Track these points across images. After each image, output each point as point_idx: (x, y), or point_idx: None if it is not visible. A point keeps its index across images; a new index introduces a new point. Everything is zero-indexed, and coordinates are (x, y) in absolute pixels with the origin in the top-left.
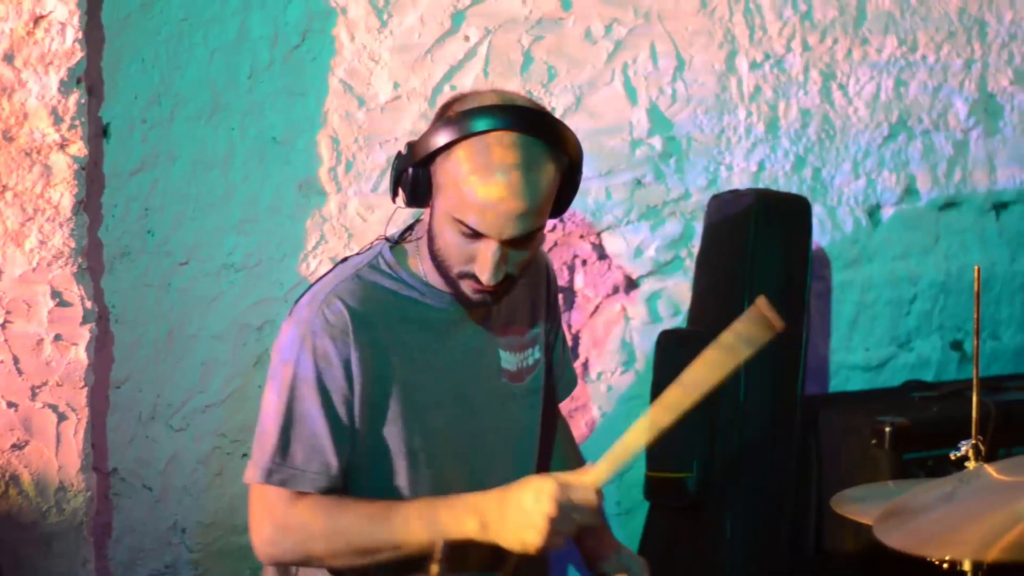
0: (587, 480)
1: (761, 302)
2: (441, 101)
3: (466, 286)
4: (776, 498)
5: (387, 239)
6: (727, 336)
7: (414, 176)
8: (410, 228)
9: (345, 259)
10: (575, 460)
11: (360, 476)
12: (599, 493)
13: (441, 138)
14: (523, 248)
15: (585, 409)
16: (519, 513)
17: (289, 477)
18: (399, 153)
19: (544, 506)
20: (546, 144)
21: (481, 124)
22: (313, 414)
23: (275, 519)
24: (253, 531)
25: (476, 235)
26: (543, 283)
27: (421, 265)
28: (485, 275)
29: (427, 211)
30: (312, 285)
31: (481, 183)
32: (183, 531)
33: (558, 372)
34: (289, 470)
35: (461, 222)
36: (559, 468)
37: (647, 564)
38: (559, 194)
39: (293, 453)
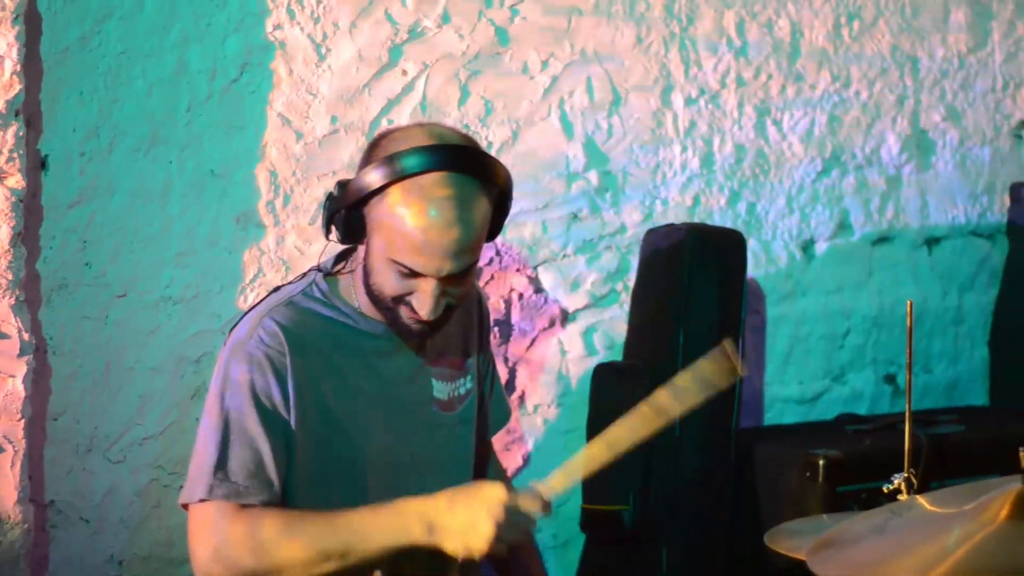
0: (534, 492)
1: (727, 345)
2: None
3: (404, 314)
4: (711, 531)
5: (319, 269)
6: (687, 375)
7: (347, 217)
8: (342, 259)
9: (278, 287)
10: None
11: (295, 497)
12: (547, 504)
13: (373, 180)
14: (460, 282)
15: (521, 442)
16: (467, 517)
17: (231, 492)
18: (330, 194)
19: (493, 510)
20: (477, 179)
21: (413, 165)
22: (252, 431)
23: (218, 534)
24: (194, 552)
25: (414, 274)
26: (475, 314)
27: (355, 295)
28: (425, 311)
29: (361, 246)
30: (246, 312)
31: (416, 225)
32: (120, 563)
33: (491, 404)
34: (231, 485)
35: (398, 263)
36: None
37: None
38: (491, 223)
39: (233, 469)
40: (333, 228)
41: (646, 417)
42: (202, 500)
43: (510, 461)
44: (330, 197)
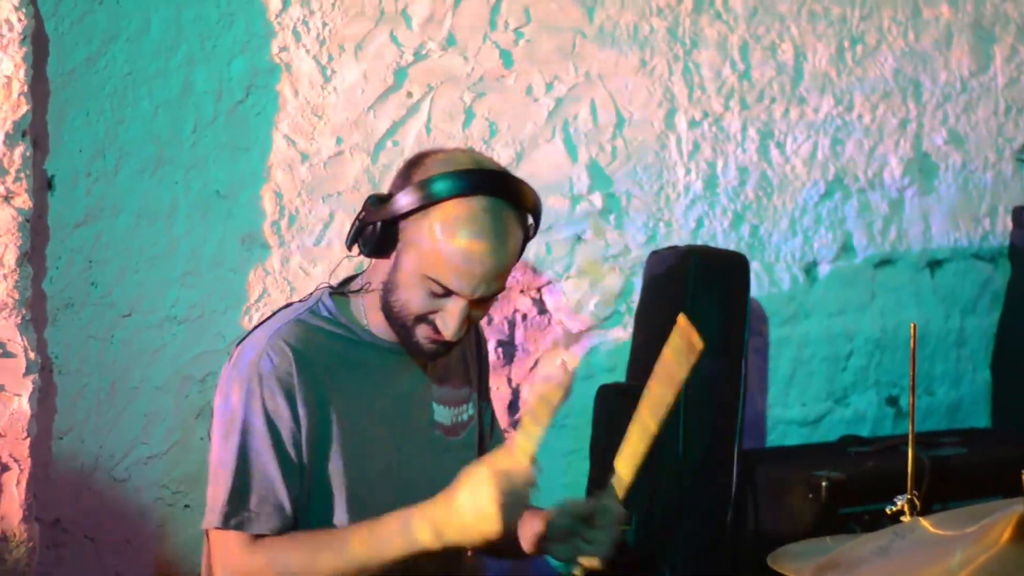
0: (517, 453)
1: (681, 320)
2: (384, 157)
3: (422, 333)
4: (714, 552)
5: (329, 286)
6: (657, 377)
7: (382, 230)
8: (351, 279)
9: (286, 305)
10: None
11: (303, 513)
12: (533, 459)
13: (417, 197)
14: (485, 306)
15: None
16: (470, 508)
17: (244, 520)
18: (365, 206)
19: (491, 490)
20: (516, 206)
21: (458, 188)
22: (264, 456)
23: (237, 564)
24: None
25: (446, 293)
26: (474, 341)
27: (364, 314)
28: (450, 331)
29: (380, 263)
30: (251, 330)
31: (458, 246)
32: None
33: (489, 432)
34: (244, 513)
35: (435, 281)
36: None
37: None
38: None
39: (246, 496)
40: (358, 241)
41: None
42: (217, 528)
43: None
44: (365, 209)
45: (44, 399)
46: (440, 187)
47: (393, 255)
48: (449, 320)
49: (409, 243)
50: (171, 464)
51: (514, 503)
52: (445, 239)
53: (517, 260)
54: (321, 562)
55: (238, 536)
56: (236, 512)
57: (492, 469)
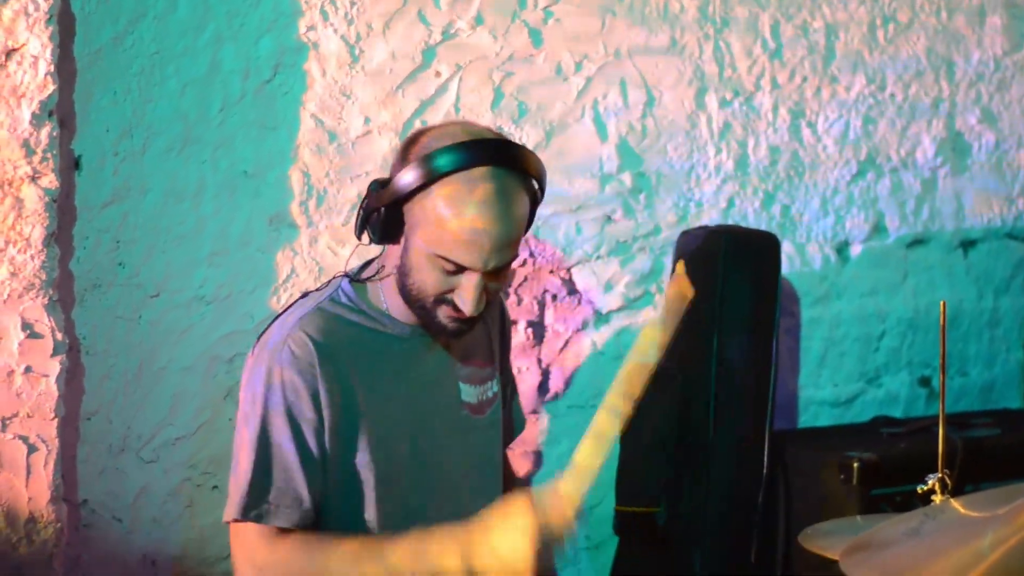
0: (563, 502)
1: (679, 268)
2: None
3: (442, 314)
4: (744, 533)
5: (346, 274)
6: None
7: (386, 216)
8: (368, 264)
9: (305, 294)
10: None
11: (330, 507)
12: (575, 512)
13: (416, 177)
14: (501, 277)
15: (555, 442)
16: (505, 550)
17: (264, 512)
18: (368, 192)
19: (528, 536)
20: (517, 173)
21: (457, 161)
22: (284, 448)
23: (254, 559)
24: (236, 569)
25: (458, 269)
26: (497, 318)
27: (383, 298)
28: (468, 307)
29: (393, 248)
30: (272, 321)
31: (463, 220)
32: (153, 563)
33: (507, 414)
34: (264, 505)
35: (444, 258)
36: None
37: None
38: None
39: (266, 488)
40: (367, 228)
41: (633, 372)
42: (236, 520)
43: (544, 461)
44: (369, 195)
45: (71, 380)
46: (438, 163)
47: (402, 239)
48: (466, 296)
49: (415, 224)
50: (199, 445)
51: (549, 554)
52: (449, 215)
53: (526, 227)
54: (345, 567)
55: (258, 529)
56: (255, 504)
57: (535, 515)
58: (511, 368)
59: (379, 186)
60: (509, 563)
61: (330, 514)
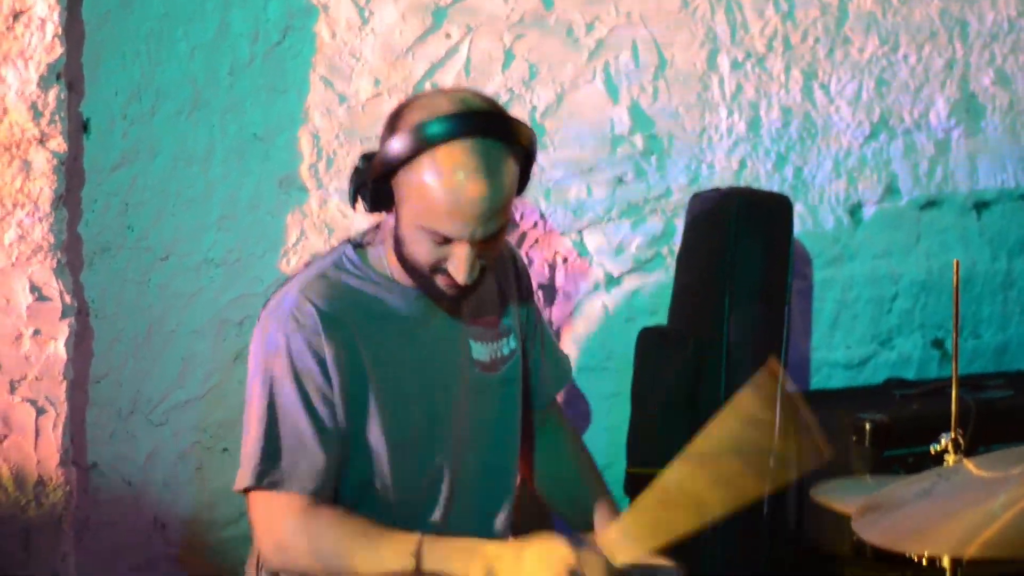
0: (608, 548)
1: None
2: None
3: (440, 281)
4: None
5: (349, 241)
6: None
7: (374, 189)
8: (372, 229)
9: (309, 263)
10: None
11: (345, 472)
12: (612, 571)
13: (400, 151)
14: (493, 244)
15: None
16: (526, 570)
17: (279, 479)
18: (356, 167)
19: (553, 568)
20: (503, 142)
21: (439, 133)
22: (295, 414)
23: (279, 529)
24: (258, 538)
25: (447, 240)
26: (511, 273)
27: (386, 263)
28: (461, 276)
29: (390, 216)
30: (277, 289)
31: (447, 192)
32: (163, 526)
33: (542, 363)
34: (278, 472)
35: (431, 230)
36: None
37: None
38: (519, 182)
39: (279, 454)
40: (360, 200)
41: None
42: (250, 488)
43: None
44: (356, 170)
45: (80, 343)
46: (422, 135)
47: (394, 209)
48: (458, 266)
49: (403, 197)
50: (209, 408)
51: None
52: (433, 187)
53: (515, 195)
54: (370, 552)
55: (276, 496)
56: (269, 470)
57: (574, 557)
58: (540, 319)
59: (367, 160)
60: None
61: (346, 480)
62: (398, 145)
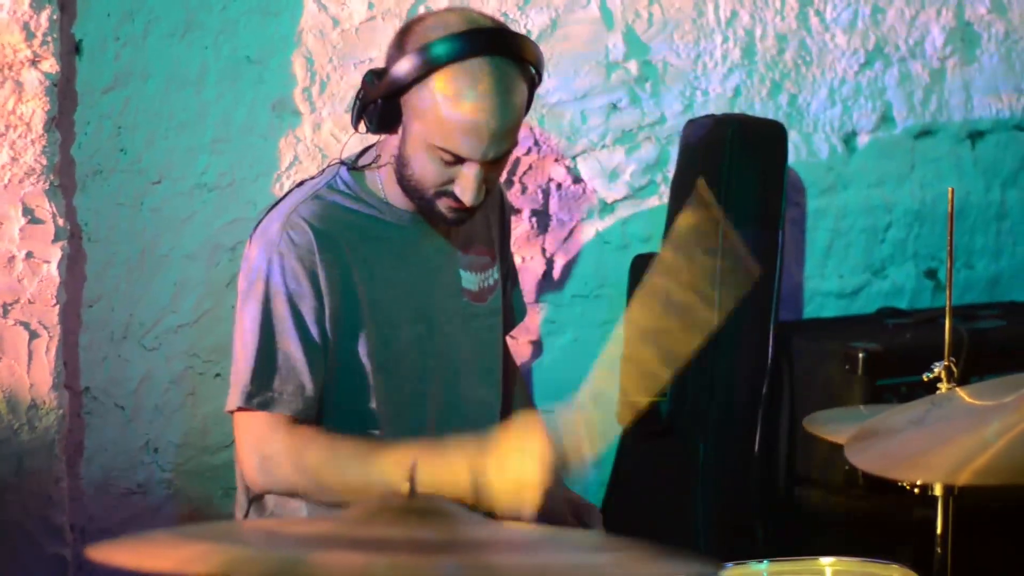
0: (581, 446)
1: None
2: None
3: (443, 205)
4: (748, 424)
5: (343, 162)
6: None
7: (384, 107)
8: (365, 151)
9: (301, 183)
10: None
11: (331, 395)
12: (590, 462)
13: (413, 68)
14: (500, 167)
15: (560, 332)
16: (516, 482)
17: (267, 400)
18: (363, 83)
19: (543, 475)
20: (515, 62)
21: (455, 50)
22: (287, 335)
23: (263, 447)
24: (240, 459)
25: (457, 160)
26: (498, 207)
27: (381, 186)
28: (468, 197)
29: (390, 137)
30: (269, 209)
31: (463, 110)
32: (155, 450)
33: (507, 299)
34: (267, 393)
35: (443, 149)
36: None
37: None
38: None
39: (269, 376)
40: (364, 119)
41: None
42: (240, 409)
43: (548, 351)
44: (363, 87)
45: (73, 266)
46: (436, 53)
47: (400, 129)
48: (466, 187)
49: (413, 115)
50: (201, 333)
51: (559, 480)
52: (448, 106)
53: (525, 115)
54: (347, 470)
55: (265, 417)
56: (259, 391)
57: (555, 454)
58: (511, 256)
59: (375, 77)
60: (518, 484)
61: (331, 402)
62: (410, 62)
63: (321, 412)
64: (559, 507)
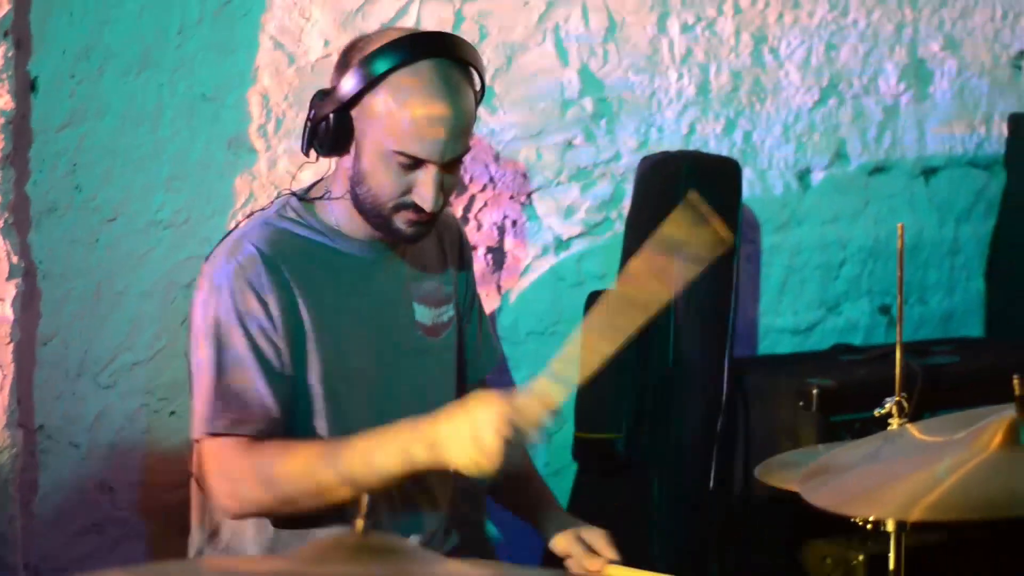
0: (538, 397)
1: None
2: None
3: (401, 219)
4: (703, 460)
5: (293, 193)
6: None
7: (336, 122)
8: (315, 185)
9: (251, 214)
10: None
11: (300, 416)
12: (552, 410)
13: (361, 79)
14: (454, 171)
15: (515, 369)
16: (470, 430)
17: (231, 423)
18: (312, 104)
19: (495, 421)
20: (460, 65)
21: (400, 57)
22: (243, 358)
23: (230, 471)
24: (210, 487)
25: (414, 165)
26: (455, 240)
27: (334, 215)
28: (428, 201)
29: (341, 168)
30: (220, 240)
31: (416, 111)
32: (111, 489)
33: (477, 339)
34: (229, 415)
35: (402, 153)
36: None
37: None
38: None
39: (230, 399)
40: (314, 144)
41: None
42: (207, 435)
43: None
44: (313, 106)
45: (28, 304)
46: (383, 61)
47: (352, 147)
48: (425, 192)
49: (366, 127)
50: (157, 370)
51: (514, 440)
52: (403, 109)
53: (474, 117)
54: (313, 471)
55: (226, 441)
56: (220, 416)
57: (505, 402)
58: (475, 289)
59: (324, 95)
60: (473, 452)
61: (290, 428)
62: (357, 74)
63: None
64: (519, 460)
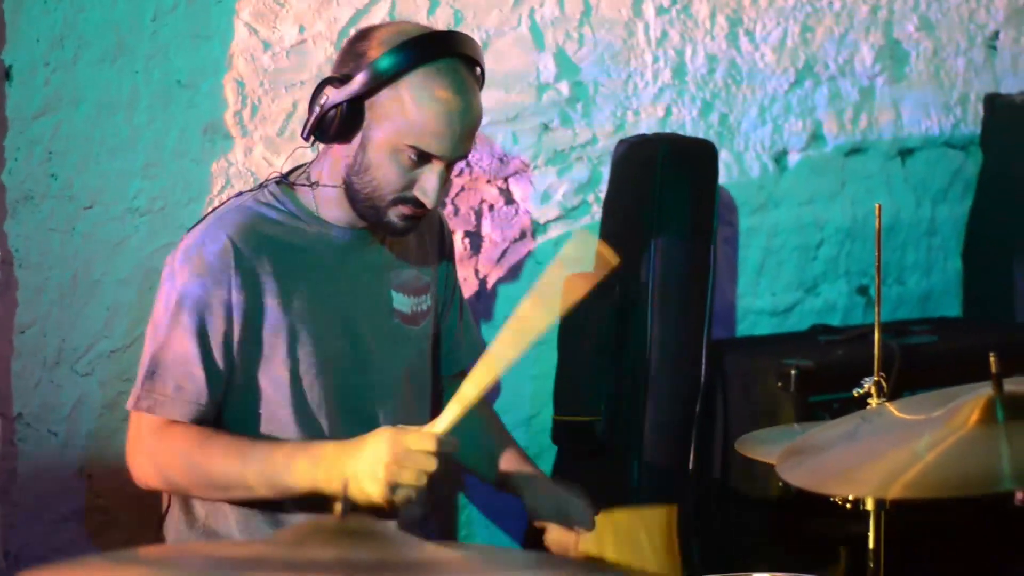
0: (425, 428)
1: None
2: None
3: (395, 213)
4: (682, 442)
5: (280, 177)
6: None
7: (347, 111)
8: (297, 168)
9: (238, 194)
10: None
11: (245, 406)
12: (440, 439)
13: (381, 73)
14: (452, 171)
15: None
16: (359, 463)
17: (155, 403)
18: (319, 91)
19: (381, 455)
20: (471, 65)
21: (424, 53)
22: (187, 342)
23: (142, 446)
24: (132, 460)
25: (422, 160)
26: (436, 230)
27: (314, 205)
28: (431, 197)
29: (332, 155)
30: (197, 223)
31: (436, 109)
32: (89, 477)
33: (458, 330)
34: (156, 396)
35: (414, 148)
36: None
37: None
38: None
39: (162, 379)
40: (317, 131)
41: (519, 331)
42: (133, 408)
43: None
44: (320, 94)
45: (5, 292)
46: (404, 57)
47: (357, 138)
48: (429, 186)
49: (379, 118)
50: (135, 358)
51: (404, 475)
52: (422, 105)
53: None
54: (222, 467)
55: (149, 419)
56: (148, 394)
57: (394, 433)
58: (456, 279)
59: (338, 82)
60: (363, 482)
61: (243, 412)
62: (375, 68)
63: (220, 423)
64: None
